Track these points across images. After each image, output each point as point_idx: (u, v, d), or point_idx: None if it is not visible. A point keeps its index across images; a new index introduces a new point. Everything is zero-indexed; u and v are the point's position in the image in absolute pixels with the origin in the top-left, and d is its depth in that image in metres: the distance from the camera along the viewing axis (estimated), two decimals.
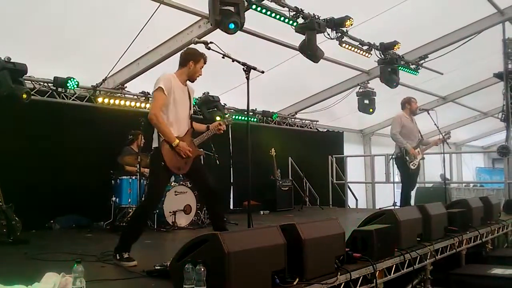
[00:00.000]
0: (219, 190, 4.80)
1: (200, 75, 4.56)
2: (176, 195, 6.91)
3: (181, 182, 7.20)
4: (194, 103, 8.65)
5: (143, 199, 4.54)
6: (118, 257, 4.22)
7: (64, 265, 3.52)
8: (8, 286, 3.06)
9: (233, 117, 9.72)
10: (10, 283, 3.10)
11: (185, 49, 4.80)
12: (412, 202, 7.76)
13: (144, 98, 8.32)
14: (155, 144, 4.51)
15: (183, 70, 4.52)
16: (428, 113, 7.64)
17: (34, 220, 6.49)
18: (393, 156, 7.79)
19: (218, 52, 4.30)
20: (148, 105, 8.06)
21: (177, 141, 4.31)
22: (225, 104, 9.36)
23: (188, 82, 4.61)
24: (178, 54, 7.11)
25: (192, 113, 4.65)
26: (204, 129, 4.76)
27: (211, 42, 4.31)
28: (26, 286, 3.08)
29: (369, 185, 12.78)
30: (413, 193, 7.98)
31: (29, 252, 4.89)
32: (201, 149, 4.72)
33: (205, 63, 4.56)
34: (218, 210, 4.73)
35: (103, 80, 7.56)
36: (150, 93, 7.94)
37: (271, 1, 6.59)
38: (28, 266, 4.35)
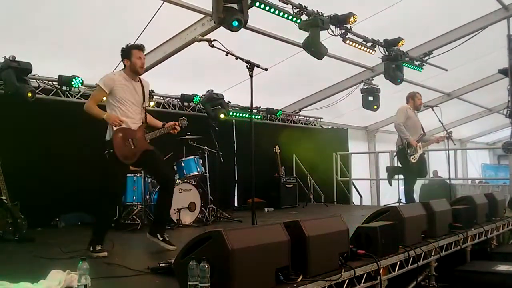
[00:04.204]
0: (173, 181, 5.02)
1: (141, 65, 4.72)
2: (180, 192, 6.92)
3: (186, 180, 7.21)
4: (197, 101, 8.80)
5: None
6: (91, 249, 4.45)
7: (70, 263, 3.55)
8: (14, 284, 3.08)
9: (236, 114, 9.77)
10: (16, 281, 3.12)
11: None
12: (417, 198, 7.73)
13: (148, 96, 8.30)
14: (107, 137, 4.68)
15: (125, 69, 4.80)
16: (433, 110, 7.63)
17: (39, 218, 6.54)
18: (395, 149, 7.82)
19: (221, 50, 4.32)
20: (152, 103, 8.08)
21: (106, 114, 4.58)
22: (229, 102, 9.36)
23: (141, 78, 4.85)
24: (182, 52, 7.26)
25: (146, 106, 4.89)
26: (160, 126, 4.99)
27: (214, 40, 4.33)
28: (32, 283, 3.10)
29: (374, 182, 12.77)
30: (418, 188, 7.94)
31: (35, 250, 4.92)
32: (152, 146, 4.87)
33: (141, 50, 4.72)
34: (168, 199, 4.91)
35: None
36: (154, 91, 8.00)
37: None
38: (34, 263, 4.37)
